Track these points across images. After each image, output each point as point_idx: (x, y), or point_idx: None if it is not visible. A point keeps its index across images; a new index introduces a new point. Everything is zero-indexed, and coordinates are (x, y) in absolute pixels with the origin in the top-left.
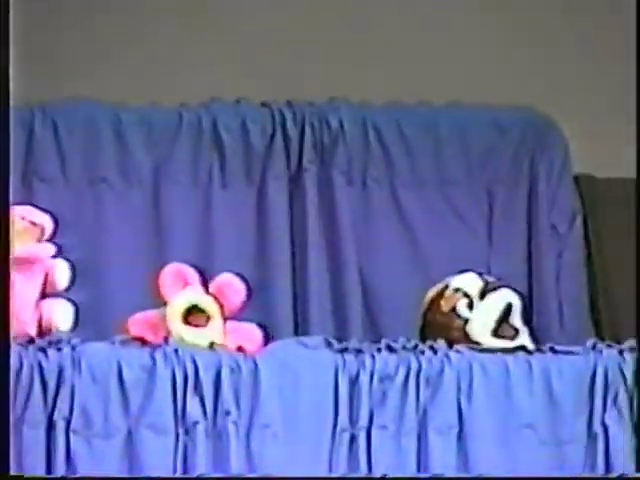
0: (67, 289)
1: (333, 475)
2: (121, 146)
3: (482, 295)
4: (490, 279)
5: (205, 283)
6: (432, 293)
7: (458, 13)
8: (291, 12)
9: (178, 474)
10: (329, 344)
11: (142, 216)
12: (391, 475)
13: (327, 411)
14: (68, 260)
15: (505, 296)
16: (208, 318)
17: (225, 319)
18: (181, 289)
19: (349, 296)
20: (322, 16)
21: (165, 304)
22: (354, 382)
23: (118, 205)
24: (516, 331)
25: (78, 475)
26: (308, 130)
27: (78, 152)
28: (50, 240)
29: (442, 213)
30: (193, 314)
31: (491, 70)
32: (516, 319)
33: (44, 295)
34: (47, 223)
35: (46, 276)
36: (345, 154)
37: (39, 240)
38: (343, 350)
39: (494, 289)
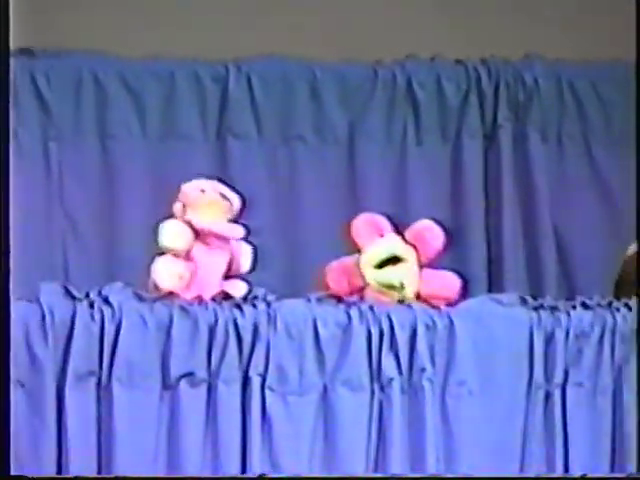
0: (249, 272)
1: (339, 475)
2: (316, 103)
3: None
4: None
5: (399, 233)
6: (632, 250)
7: None
8: None
9: (373, 431)
10: (524, 301)
11: (337, 173)
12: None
13: (522, 368)
14: (252, 244)
15: None
16: (399, 261)
17: (421, 267)
18: (376, 237)
19: (543, 253)
20: None
21: (359, 252)
22: (549, 339)
23: (313, 162)
24: None
25: (83, 475)
26: (503, 87)
27: (273, 109)
28: (238, 219)
29: (636, 171)
30: (389, 263)
31: None
32: None
33: (227, 276)
34: (235, 201)
35: (231, 258)
36: (540, 111)
37: (227, 215)
38: (538, 307)
39: None
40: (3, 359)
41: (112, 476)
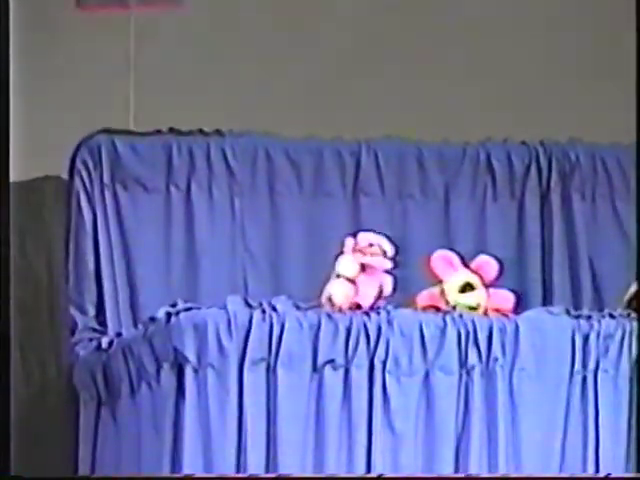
0: (391, 295)
1: (333, 475)
2: (422, 171)
3: None
4: None
5: (465, 264)
6: (635, 286)
7: None
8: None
9: (461, 403)
10: (568, 312)
11: (436, 221)
12: None
13: (566, 359)
14: (393, 275)
15: None
16: (474, 289)
17: (487, 287)
18: (449, 269)
19: (582, 278)
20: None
21: (439, 282)
22: (586, 339)
23: (419, 213)
24: None
25: (85, 475)
26: (554, 161)
27: (392, 175)
28: (392, 257)
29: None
30: (466, 289)
31: None
32: None
33: (379, 297)
34: (390, 251)
35: (381, 285)
36: (580, 179)
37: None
38: (578, 316)
39: None
40: (3, 360)
41: (117, 476)
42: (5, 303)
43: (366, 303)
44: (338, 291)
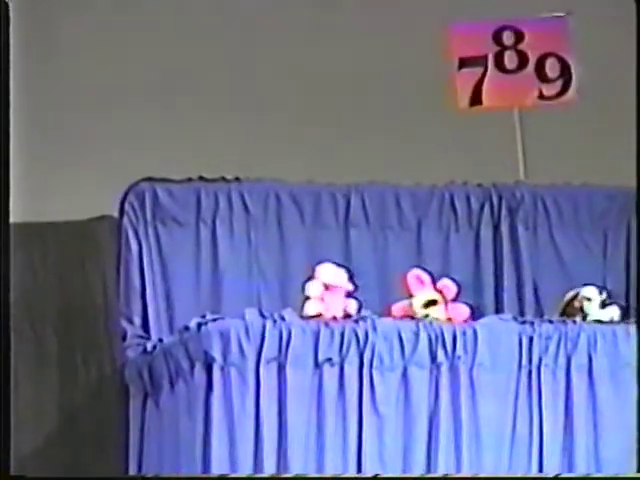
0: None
1: (334, 475)
2: (399, 208)
3: (602, 305)
4: (604, 293)
5: (433, 281)
6: (568, 297)
7: None
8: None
9: (432, 392)
10: (515, 319)
11: (409, 247)
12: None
13: (515, 356)
14: (357, 299)
15: (611, 312)
16: (436, 303)
17: (447, 303)
18: (420, 286)
19: (526, 292)
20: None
21: (410, 296)
22: (530, 339)
23: (396, 241)
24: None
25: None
26: (504, 199)
27: (375, 211)
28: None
29: (578, 245)
30: (430, 304)
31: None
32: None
33: (346, 314)
34: (346, 284)
35: (345, 304)
36: (524, 213)
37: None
38: (523, 322)
39: (607, 305)
40: (4, 361)
41: (124, 476)
42: (5, 313)
43: (337, 313)
44: (310, 310)
